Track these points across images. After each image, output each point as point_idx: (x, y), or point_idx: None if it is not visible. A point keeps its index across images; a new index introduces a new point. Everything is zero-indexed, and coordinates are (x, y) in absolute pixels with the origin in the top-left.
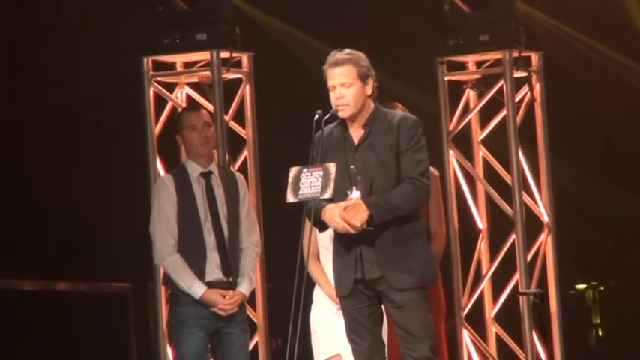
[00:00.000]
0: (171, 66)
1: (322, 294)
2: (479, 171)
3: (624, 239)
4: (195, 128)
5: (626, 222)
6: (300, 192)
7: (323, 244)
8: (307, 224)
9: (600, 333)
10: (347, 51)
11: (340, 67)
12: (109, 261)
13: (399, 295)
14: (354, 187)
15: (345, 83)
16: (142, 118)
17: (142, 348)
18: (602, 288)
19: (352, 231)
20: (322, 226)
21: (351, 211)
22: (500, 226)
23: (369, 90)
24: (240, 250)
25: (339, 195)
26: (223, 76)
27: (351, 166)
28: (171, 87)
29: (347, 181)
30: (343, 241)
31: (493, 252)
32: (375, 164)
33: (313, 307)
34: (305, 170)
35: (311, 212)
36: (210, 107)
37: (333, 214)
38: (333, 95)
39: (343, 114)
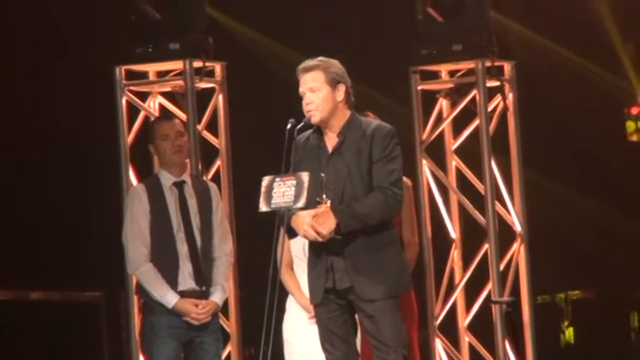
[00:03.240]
0: (143, 75)
1: (295, 303)
2: (452, 180)
3: (597, 248)
4: (167, 137)
5: (598, 230)
6: (273, 201)
7: (296, 253)
8: (281, 233)
9: (571, 338)
10: (319, 58)
11: (309, 72)
12: (81, 270)
13: (370, 305)
14: (325, 195)
15: (313, 88)
16: (115, 128)
17: (115, 357)
18: (574, 297)
19: (320, 239)
20: (292, 233)
21: (319, 219)
22: (473, 235)
23: (339, 96)
24: (213, 260)
25: (311, 202)
26: (196, 85)
27: (322, 174)
28: (144, 96)
29: (318, 188)
30: (315, 250)
31: (466, 261)
32: (347, 173)
33: (286, 316)
34: (278, 179)
35: (284, 219)
36: (183, 116)
37: (301, 221)
38: (303, 102)
39: (313, 119)
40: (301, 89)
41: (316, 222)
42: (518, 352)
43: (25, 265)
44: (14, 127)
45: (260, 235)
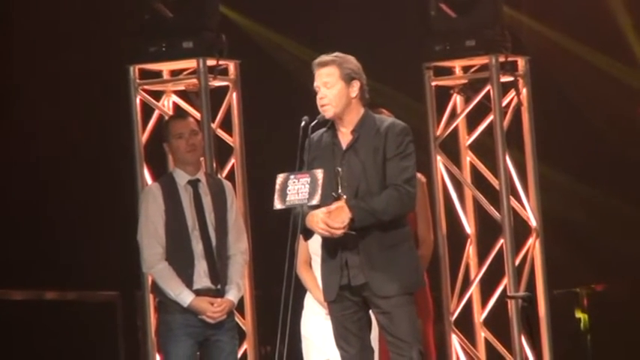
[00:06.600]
0: (157, 74)
1: (312, 300)
2: (466, 176)
3: (613, 242)
4: (182, 136)
5: (615, 225)
6: (288, 198)
7: (314, 250)
8: (297, 231)
9: (587, 325)
10: (335, 53)
11: (324, 67)
12: (97, 270)
13: (385, 302)
14: (340, 190)
15: (327, 83)
16: (129, 127)
17: (131, 356)
18: (590, 291)
19: (337, 233)
20: (308, 234)
21: (333, 214)
22: (488, 230)
23: (353, 92)
24: (228, 258)
25: (326, 199)
26: (210, 83)
27: (338, 168)
28: (158, 95)
29: (333, 184)
30: (329, 247)
31: (481, 257)
32: (361, 170)
33: (304, 312)
34: (292, 177)
35: (298, 218)
36: (197, 115)
37: (316, 220)
38: (317, 96)
39: (326, 114)
40: (316, 83)
41: (330, 218)
42: (535, 347)
43: (40, 265)
44: (30, 126)
45: (275, 233)
